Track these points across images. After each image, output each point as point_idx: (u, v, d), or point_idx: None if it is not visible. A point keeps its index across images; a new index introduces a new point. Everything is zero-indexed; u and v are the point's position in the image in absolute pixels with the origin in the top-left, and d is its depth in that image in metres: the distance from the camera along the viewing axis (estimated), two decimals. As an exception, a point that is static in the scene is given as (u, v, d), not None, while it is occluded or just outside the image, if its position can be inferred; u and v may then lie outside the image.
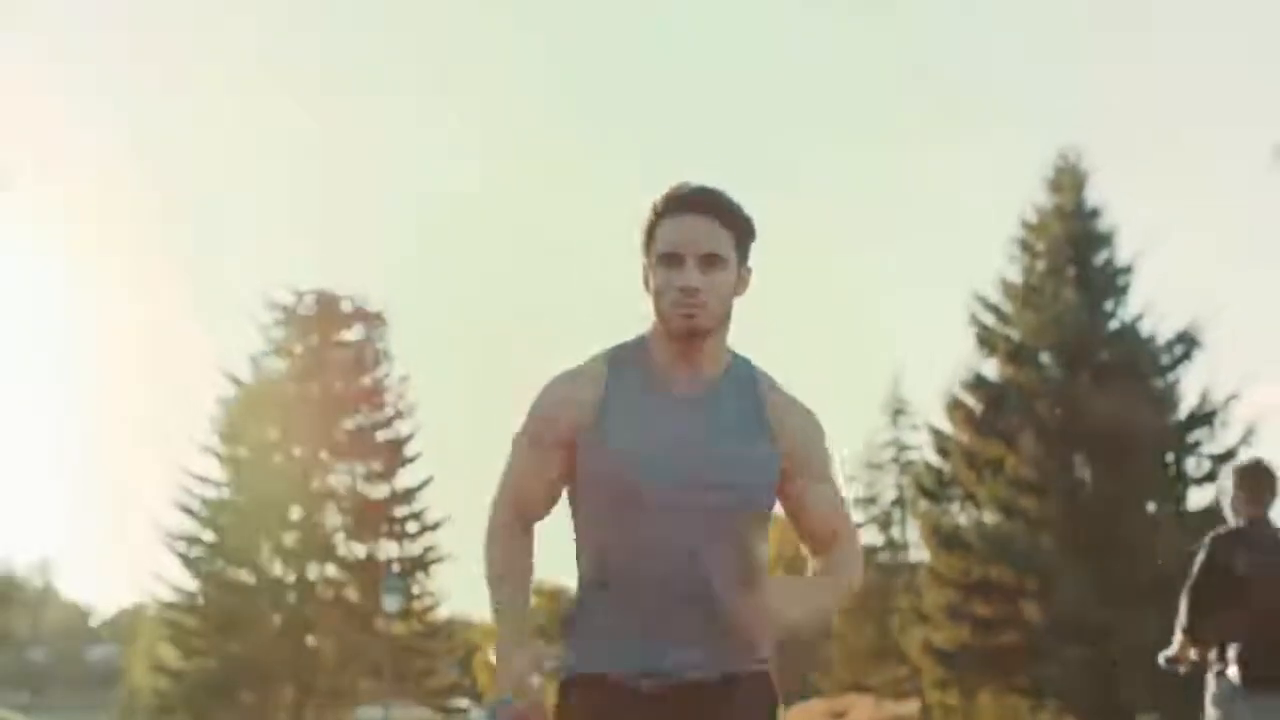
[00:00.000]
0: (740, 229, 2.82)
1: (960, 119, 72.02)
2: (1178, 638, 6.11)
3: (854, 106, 74.16)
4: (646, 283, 2.85)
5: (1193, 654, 6.09)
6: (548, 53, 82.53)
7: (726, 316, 2.83)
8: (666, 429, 2.80)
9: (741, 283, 2.85)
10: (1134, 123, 63.75)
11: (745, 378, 2.88)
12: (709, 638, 2.80)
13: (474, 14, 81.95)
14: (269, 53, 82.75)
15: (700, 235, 2.76)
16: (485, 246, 77.23)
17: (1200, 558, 6.01)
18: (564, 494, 2.92)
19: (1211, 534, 6.10)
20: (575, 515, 2.89)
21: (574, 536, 2.90)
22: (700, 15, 76.52)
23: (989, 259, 27.71)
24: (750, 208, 2.82)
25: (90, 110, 79.15)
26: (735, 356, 2.89)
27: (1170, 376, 27.59)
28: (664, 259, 2.78)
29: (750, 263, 2.87)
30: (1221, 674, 6.00)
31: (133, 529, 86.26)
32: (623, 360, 2.88)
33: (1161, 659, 6.31)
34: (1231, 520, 6.17)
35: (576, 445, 2.82)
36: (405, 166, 78.92)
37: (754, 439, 2.82)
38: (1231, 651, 5.93)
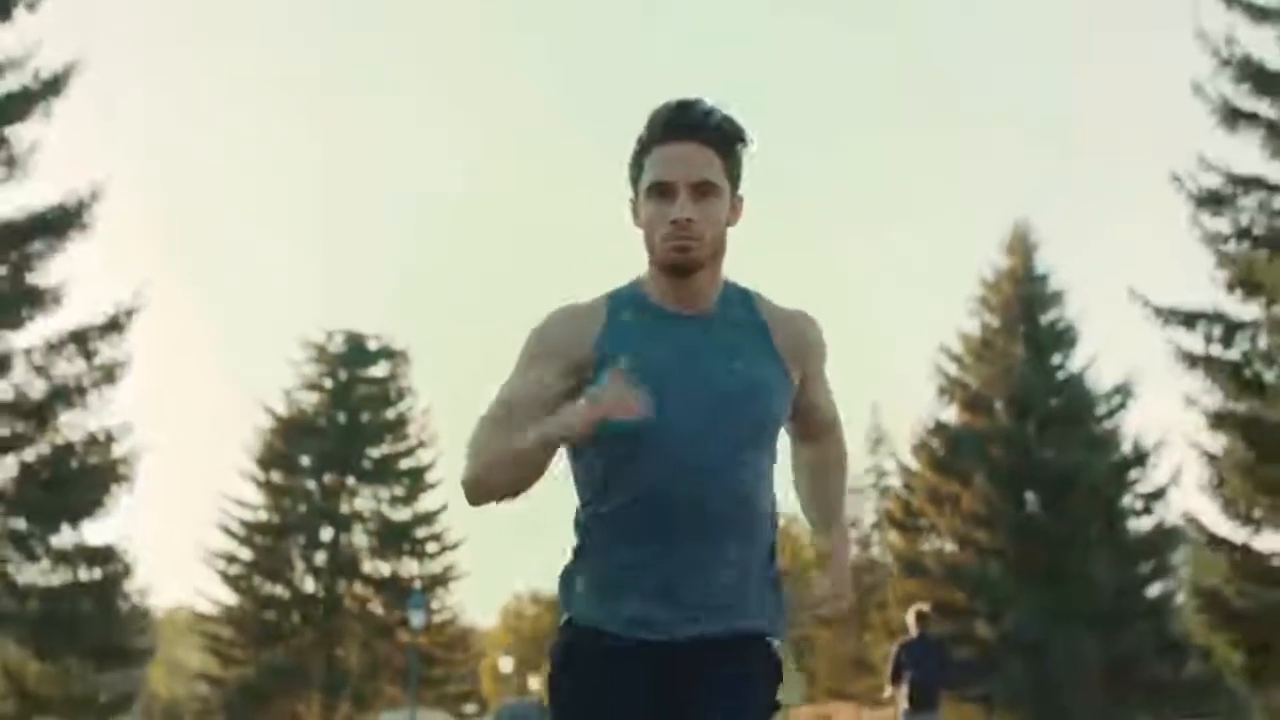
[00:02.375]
0: (734, 152, 2.74)
1: (959, 119, 74.56)
2: (888, 687, 12.51)
3: (852, 110, 76.44)
4: (636, 216, 2.76)
5: (896, 695, 12.53)
6: (549, 55, 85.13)
7: (721, 247, 2.74)
8: (672, 346, 2.73)
9: (735, 211, 2.76)
10: (1132, 125, 66.94)
11: (741, 301, 2.82)
12: (718, 581, 2.71)
13: (488, 34, 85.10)
14: (279, 66, 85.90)
15: (691, 163, 2.68)
16: (500, 276, 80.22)
17: (893, 651, 12.60)
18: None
19: (897, 643, 12.77)
20: (578, 456, 2.79)
21: (575, 480, 2.82)
22: (700, 19, 78.70)
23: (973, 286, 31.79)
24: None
25: (101, 124, 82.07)
26: (728, 283, 2.84)
27: (1109, 423, 31.81)
28: (654, 189, 2.70)
29: (742, 190, 2.77)
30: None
31: (147, 536, 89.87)
32: (620, 295, 2.81)
33: (884, 695, 12.91)
34: (912, 633, 12.72)
35: (580, 376, 2.73)
36: (420, 200, 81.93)
37: (765, 362, 2.77)
38: (903, 692, 12.40)
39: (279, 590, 38.61)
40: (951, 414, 32.65)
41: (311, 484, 39.15)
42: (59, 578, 19.01)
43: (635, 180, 2.75)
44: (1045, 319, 32.37)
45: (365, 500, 39.52)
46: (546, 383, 2.73)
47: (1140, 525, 31.43)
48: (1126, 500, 31.41)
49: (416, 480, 39.73)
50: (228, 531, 38.46)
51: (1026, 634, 29.55)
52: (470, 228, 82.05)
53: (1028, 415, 31.34)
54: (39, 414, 18.08)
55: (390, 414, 40.09)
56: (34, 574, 18.76)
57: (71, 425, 18.91)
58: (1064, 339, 32.29)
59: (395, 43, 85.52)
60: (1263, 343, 19.04)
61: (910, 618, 12.94)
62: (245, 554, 38.58)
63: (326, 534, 38.97)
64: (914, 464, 33.21)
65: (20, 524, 18.19)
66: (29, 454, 18.51)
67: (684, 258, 2.69)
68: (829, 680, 42.77)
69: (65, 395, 18.68)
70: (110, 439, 18.92)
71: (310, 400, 39.92)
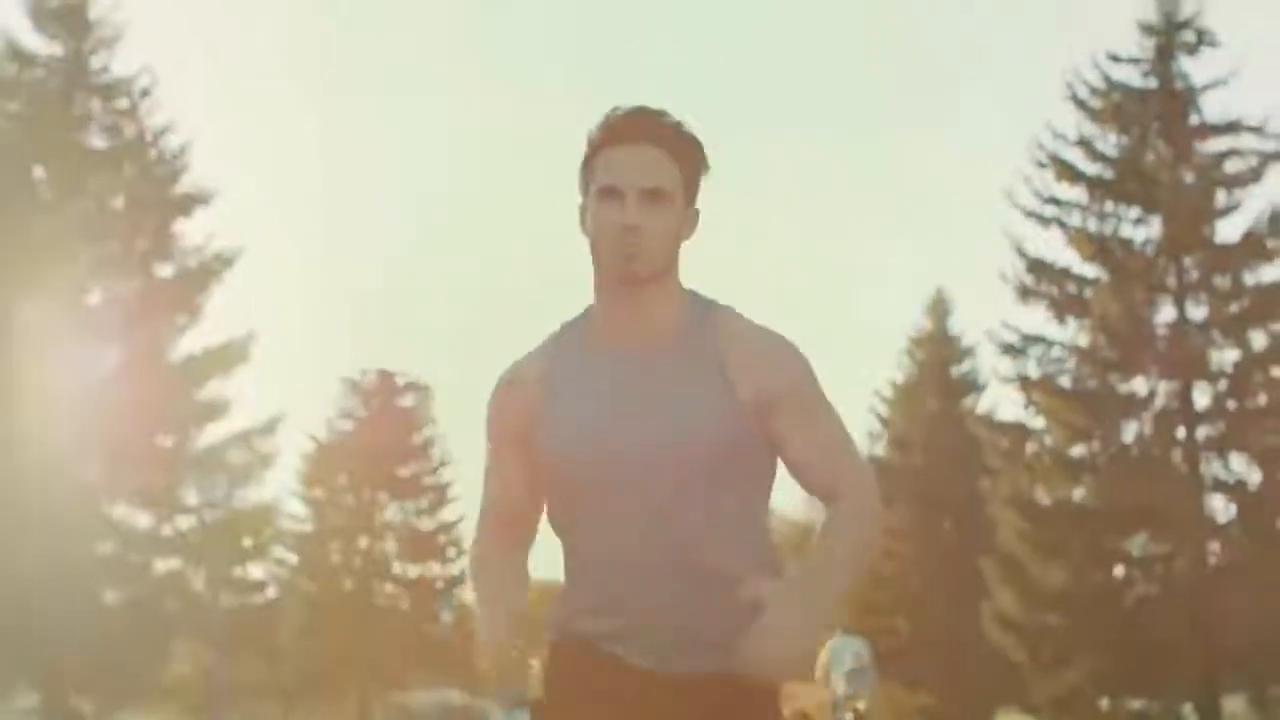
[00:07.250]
0: (690, 162, 2.67)
1: (946, 109, 77.98)
2: None
3: (842, 105, 79.00)
4: (583, 223, 2.68)
5: None
6: (542, 53, 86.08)
7: (672, 262, 2.67)
8: (606, 395, 2.66)
9: (688, 225, 2.69)
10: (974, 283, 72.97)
11: (703, 321, 2.70)
12: (686, 625, 2.65)
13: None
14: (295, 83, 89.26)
15: (643, 167, 2.61)
16: (511, 315, 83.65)
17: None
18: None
19: None
20: (549, 513, 2.81)
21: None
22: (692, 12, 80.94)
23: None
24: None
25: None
26: (693, 300, 2.73)
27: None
28: (602, 194, 2.62)
29: (699, 204, 2.70)
30: None
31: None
32: (567, 329, 2.76)
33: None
34: None
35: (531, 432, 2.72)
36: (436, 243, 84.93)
37: (706, 389, 2.63)
38: None
39: (321, 591, 44.82)
40: (881, 448, 41.84)
41: (349, 499, 45.75)
42: (238, 600, 28.83)
43: (585, 184, 2.69)
44: (957, 371, 41.55)
45: (395, 513, 45.74)
46: (510, 481, 2.79)
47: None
48: (1021, 520, 40.67)
49: (439, 495, 46.28)
50: (277, 540, 46.13)
51: (938, 629, 38.87)
52: (487, 272, 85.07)
53: (937, 453, 40.47)
54: (219, 491, 27.36)
55: (416, 439, 46.33)
56: (221, 597, 28.52)
57: (241, 498, 28.62)
58: (973, 388, 41.45)
59: (395, 44, 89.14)
60: (1046, 454, 28.80)
61: None
62: (292, 559, 45.31)
63: (362, 542, 45.51)
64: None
65: (212, 565, 27.64)
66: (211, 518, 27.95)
67: (630, 268, 2.62)
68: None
69: (236, 478, 28.29)
70: (268, 508, 28.55)
71: (347, 428, 46.53)
